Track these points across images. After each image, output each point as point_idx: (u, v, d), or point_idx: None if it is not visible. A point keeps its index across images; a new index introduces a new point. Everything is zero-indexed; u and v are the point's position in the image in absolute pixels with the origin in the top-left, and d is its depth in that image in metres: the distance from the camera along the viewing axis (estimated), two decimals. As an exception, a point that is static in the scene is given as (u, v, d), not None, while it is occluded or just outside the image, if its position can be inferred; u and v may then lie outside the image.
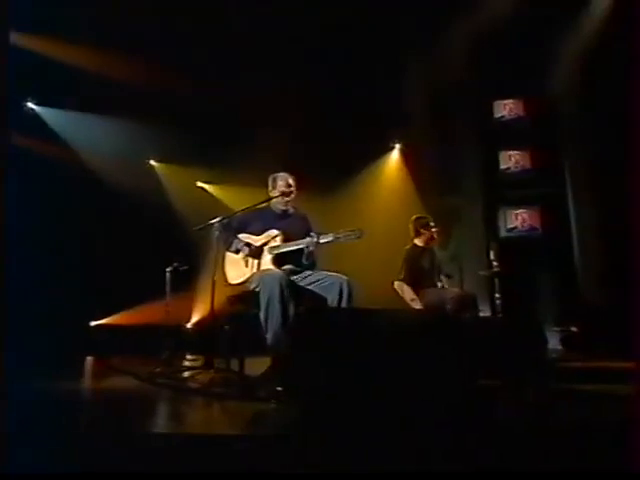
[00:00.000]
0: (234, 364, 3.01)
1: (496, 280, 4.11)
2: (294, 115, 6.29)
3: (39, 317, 5.21)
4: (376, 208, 6.48)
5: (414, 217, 4.25)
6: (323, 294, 3.00)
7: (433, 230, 4.13)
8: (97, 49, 5.84)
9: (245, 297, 3.06)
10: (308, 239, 3.03)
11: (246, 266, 3.18)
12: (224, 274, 3.26)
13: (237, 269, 3.22)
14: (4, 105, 3.14)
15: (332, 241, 2.98)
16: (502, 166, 6.29)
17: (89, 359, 4.90)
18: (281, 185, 3.35)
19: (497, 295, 4.09)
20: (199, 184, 7.66)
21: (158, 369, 3.11)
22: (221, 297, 3.17)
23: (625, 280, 3.34)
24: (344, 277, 3.04)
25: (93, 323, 6.81)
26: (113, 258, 6.48)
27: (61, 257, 6.07)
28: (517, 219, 6.16)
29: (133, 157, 6.87)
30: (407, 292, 3.90)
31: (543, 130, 6.18)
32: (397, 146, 6.99)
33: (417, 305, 3.83)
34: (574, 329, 4.59)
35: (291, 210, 3.38)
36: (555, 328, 4.77)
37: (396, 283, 3.98)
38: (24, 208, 5.63)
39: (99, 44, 5.77)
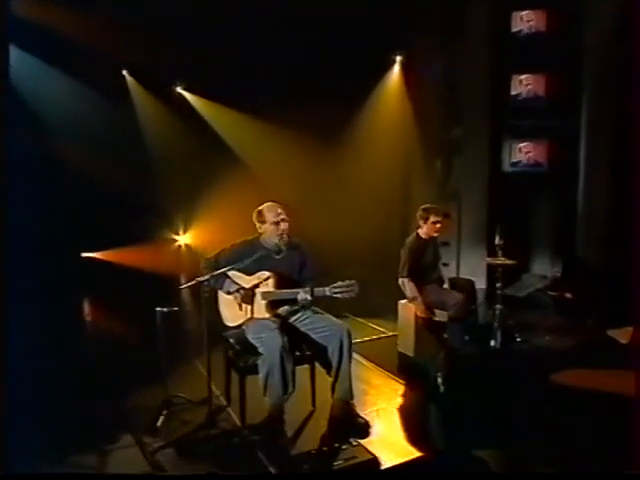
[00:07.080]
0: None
1: (499, 270, 3.98)
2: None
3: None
4: (375, 140, 6.05)
5: (422, 207, 3.93)
6: (323, 343, 2.93)
7: (438, 225, 3.86)
8: None
9: (242, 344, 2.96)
10: (302, 293, 2.85)
11: (240, 309, 3.02)
12: (219, 314, 3.11)
13: (232, 310, 3.06)
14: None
15: (327, 295, 2.81)
16: (512, 92, 5.65)
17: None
18: (270, 218, 3.01)
19: (498, 285, 4.01)
20: (179, 90, 6.94)
21: (158, 424, 2.88)
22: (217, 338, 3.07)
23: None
24: (345, 326, 2.94)
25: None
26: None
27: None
28: (522, 152, 5.75)
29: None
30: (410, 290, 3.81)
31: (564, 51, 5.40)
32: (398, 59, 6.19)
33: (418, 304, 3.78)
34: (568, 295, 4.60)
35: (284, 245, 3.07)
36: (550, 292, 4.79)
37: (400, 280, 3.87)
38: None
39: None
